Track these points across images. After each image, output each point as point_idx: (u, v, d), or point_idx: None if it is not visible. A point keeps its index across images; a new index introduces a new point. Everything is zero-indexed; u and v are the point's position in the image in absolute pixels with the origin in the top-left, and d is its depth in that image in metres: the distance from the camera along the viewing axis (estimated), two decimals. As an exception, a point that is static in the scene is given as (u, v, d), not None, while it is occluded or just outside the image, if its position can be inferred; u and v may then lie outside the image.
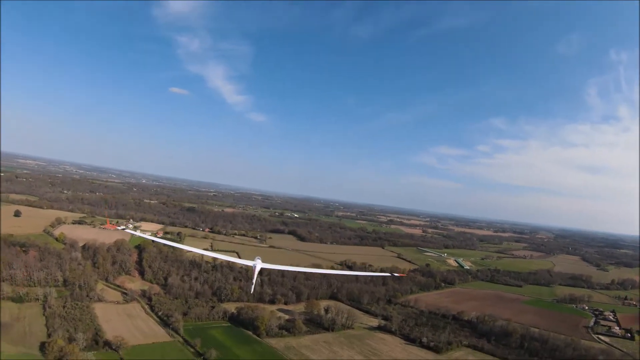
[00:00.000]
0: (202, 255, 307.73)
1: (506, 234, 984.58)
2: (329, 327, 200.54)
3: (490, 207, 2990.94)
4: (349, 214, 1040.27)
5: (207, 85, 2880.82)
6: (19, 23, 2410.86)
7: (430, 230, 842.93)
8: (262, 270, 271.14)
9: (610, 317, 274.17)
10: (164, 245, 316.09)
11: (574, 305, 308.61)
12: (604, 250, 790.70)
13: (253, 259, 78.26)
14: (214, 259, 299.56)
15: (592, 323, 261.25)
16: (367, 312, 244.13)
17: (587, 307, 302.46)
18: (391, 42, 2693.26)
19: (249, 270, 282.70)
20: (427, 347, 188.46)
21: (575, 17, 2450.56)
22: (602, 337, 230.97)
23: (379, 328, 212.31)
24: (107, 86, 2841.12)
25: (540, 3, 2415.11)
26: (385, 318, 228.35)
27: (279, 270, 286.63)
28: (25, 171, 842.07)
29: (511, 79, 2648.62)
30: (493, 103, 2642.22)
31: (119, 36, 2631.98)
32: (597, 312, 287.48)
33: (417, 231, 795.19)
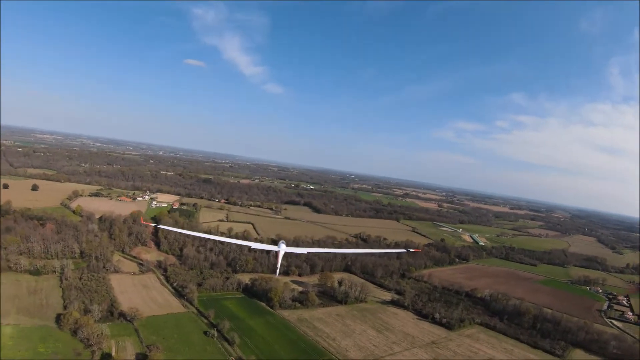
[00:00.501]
0: (218, 225, 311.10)
1: (522, 212, 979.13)
2: (342, 300, 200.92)
3: (506, 184, 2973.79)
4: (364, 186, 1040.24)
5: (222, 57, 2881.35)
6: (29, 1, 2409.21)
7: (445, 204, 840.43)
8: (277, 242, 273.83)
9: (624, 302, 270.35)
10: (180, 215, 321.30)
11: (587, 288, 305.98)
12: (620, 233, 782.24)
13: (275, 242, 76.87)
14: (229, 230, 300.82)
15: (605, 307, 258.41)
16: (380, 285, 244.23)
17: (600, 290, 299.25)
18: (412, 14, 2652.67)
19: (264, 242, 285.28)
20: (440, 324, 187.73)
21: None
22: (615, 322, 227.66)
23: (392, 302, 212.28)
24: (123, 60, 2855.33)
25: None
26: (398, 292, 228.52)
27: (293, 241, 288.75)
28: (43, 145, 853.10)
29: (533, 55, 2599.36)
30: (513, 79, 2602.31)
31: (134, 10, 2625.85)
32: (610, 296, 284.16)
33: (433, 205, 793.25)
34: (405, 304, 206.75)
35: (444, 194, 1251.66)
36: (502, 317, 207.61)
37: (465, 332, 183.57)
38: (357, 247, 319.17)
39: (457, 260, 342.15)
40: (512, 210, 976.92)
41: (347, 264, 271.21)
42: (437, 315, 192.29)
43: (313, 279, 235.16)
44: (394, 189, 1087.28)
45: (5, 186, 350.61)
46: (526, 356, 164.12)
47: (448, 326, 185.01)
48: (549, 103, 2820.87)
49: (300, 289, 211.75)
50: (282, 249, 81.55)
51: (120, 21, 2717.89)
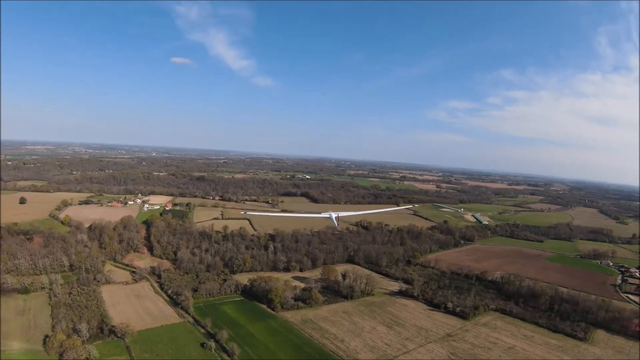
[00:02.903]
0: (212, 224, 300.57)
1: (521, 187, 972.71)
2: (348, 295, 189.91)
3: (502, 160, 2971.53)
4: (360, 172, 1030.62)
5: (209, 53, 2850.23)
6: (17, 9, 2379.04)
7: (444, 185, 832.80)
8: (274, 238, 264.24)
9: (637, 274, 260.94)
10: (173, 217, 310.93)
11: (598, 261, 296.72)
12: (621, 202, 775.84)
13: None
14: (224, 228, 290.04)
15: (619, 281, 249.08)
16: (386, 275, 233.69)
17: (611, 264, 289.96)
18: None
19: (261, 238, 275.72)
20: (453, 313, 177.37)
21: None
22: (631, 297, 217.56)
23: (400, 293, 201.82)
24: (108, 64, 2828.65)
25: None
26: (406, 281, 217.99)
27: (292, 235, 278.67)
28: (34, 157, 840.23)
29: (520, 28, 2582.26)
30: (502, 54, 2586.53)
31: (116, 13, 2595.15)
32: (622, 269, 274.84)
33: (431, 186, 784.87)
34: (415, 294, 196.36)
35: (441, 174, 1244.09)
36: (517, 300, 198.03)
37: (481, 320, 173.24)
38: (359, 235, 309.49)
39: (462, 242, 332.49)
40: (510, 187, 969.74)
41: (350, 255, 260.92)
42: (449, 305, 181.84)
43: (315, 274, 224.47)
44: (391, 173, 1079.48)
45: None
46: (548, 342, 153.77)
47: (462, 315, 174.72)
48: (539, 77, 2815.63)
49: (303, 285, 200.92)
50: (333, 216, 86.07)
51: (103, 24, 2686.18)
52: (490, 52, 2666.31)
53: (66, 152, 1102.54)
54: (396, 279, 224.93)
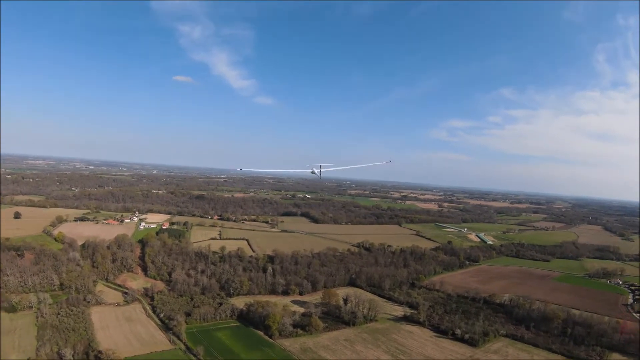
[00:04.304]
0: (209, 244, 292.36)
1: (523, 205, 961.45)
2: (350, 321, 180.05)
3: (503, 179, 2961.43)
4: (361, 191, 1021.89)
5: (212, 72, 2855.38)
6: (19, 24, 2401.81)
7: (446, 204, 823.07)
8: (273, 259, 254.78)
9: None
10: (169, 236, 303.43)
11: (607, 280, 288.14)
12: (624, 218, 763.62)
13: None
14: (222, 249, 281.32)
15: (630, 300, 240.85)
16: (389, 299, 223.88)
17: (621, 282, 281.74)
18: (393, 18, 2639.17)
19: (259, 259, 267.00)
20: (461, 340, 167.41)
21: None
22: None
23: (405, 318, 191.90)
24: (112, 81, 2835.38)
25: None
26: (410, 306, 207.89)
27: (291, 257, 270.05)
28: (34, 171, 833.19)
29: (518, 47, 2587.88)
30: (501, 73, 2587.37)
31: (120, 31, 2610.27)
32: (632, 288, 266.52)
33: (433, 206, 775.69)
34: (421, 320, 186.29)
35: (442, 193, 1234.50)
36: (527, 324, 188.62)
37: (492, 347, 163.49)
38: (361, 257, 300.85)
39: (467, 262, 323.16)
40: (513, 205, 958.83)
41: (352, 277, 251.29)
42: (457, 331, 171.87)
43: (315, 298, 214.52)
44: (392, 192, 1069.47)
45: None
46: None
47: (471, 342, 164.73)
48: (538, 95, 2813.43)
49: (302, 310, 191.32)
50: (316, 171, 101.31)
51: (106, 41, 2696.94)
52: (490, 71, 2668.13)
53: (67, 168, 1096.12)
54: (400, 303, 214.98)
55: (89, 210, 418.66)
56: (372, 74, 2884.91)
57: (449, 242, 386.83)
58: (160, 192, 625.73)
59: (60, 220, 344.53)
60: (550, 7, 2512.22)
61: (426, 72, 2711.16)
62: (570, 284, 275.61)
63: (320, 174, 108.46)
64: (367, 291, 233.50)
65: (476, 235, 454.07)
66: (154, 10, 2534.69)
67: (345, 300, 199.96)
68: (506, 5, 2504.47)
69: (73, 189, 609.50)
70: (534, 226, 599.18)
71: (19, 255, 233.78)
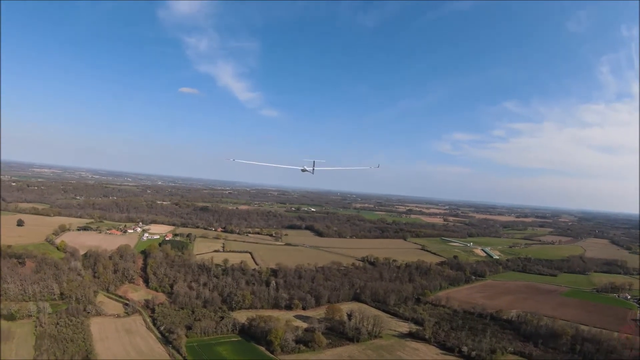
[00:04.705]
0: (212, 257, 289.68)
1: (529, 219, 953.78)
2: (354, 337, 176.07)
3: (508, 192, 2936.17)
4: (366, 205, 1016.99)
5: (217, 84, 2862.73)
6: (26, 31, 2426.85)
7: (451, 218, 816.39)
8: (277, 273, 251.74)
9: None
10: (172, 247, 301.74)
11: (615, 295, 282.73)
12: (631, 231, 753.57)
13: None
14: (225, 261, 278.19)
15: (639, 315, 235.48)
16: (394, 314, 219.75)
17: (630, 297, 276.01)
18: (398, 29, 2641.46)
19: (263, 273, 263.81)
20: (468, 358, 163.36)
21: None
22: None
23: (410, 335, 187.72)
24: (118, 92, 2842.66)
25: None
26: (416, 322, 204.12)
27: (295, 271, 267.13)
28: (39, 179, 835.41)
29: (522, 60, 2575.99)
30: (505, 86, 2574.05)
31: (126, 41, 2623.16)
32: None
33: (438, 220, 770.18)
34: (426, 337, 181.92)
35: (447, 207, 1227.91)
36: (535, 341, 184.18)
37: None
38: (365, 271, 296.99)
39: (473, 278, 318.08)
40: (518, 219, 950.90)
41: (356, 292, 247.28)
42: (464, 348, 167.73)
43: (319, 312, 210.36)
44: (397, 206, 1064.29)
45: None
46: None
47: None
48: (542, 107, 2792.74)
49: (305, 325, 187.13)
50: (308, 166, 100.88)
51: (112, 50, 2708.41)
52: (494, 84, 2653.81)
53: (72, 177, 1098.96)
54: (405, 319, 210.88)
55: (92, 220, 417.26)
56: (377, 86, 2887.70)
57: (455, 256, 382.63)
58: (164, 203, 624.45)
59: (63, 229, 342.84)
60: (554, 19, 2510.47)
61: (430, 85, 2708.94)
62: (578, 299, 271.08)
63: (313, 170, 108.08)
64: (372, 306, 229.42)
65: (482, 249, 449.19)
66: (161, 21, 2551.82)
67: (350, 316, 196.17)
68: (510, 17, 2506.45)
69: (78, 198, 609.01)
70: (540, 240, 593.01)
71: (20, 263, 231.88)
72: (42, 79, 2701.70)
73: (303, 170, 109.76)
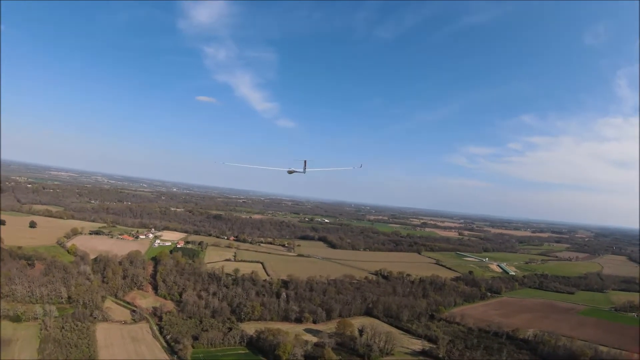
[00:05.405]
0: (223, 266, 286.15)
1: (545, 235, 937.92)
2: (364, 354, 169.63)
3: (524, 206, 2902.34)
4: (380, 217, 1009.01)
5: (235, 94, 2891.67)
6: (45, 39, 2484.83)
7: (466, 232, 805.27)
8: (288, 284, 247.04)
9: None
10: (183, 255, 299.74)
11: (634, 314, 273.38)
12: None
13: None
14: (236, 271, 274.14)
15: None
16: (407, 331, 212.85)
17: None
18: (415, 42, 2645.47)
19: (273, 284, 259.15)
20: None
21: (598, 6, 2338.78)
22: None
23: (423, 353, 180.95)
24: (136, 99, 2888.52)
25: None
26: (429, 339, 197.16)
27: (306, 283, 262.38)
28: (55, 182, 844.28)
29: (539, 73, 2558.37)
30: (522, 99, 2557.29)
31: (146, 50, 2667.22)
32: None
33: (453, 234, 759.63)
34: (440, 355, 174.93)
35: (462, 221, 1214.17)
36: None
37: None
38: (378, 285, 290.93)
39: (488, 294, 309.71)
40: (534, 234, 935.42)
41: (369, 307, 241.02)
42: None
43: (330, 327, 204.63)
44: (411, 219, 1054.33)
45: (2, 222, 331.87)
46: None
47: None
48: (559, 121, 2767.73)
49: (315, 340, 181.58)
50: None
51: (131, 59, 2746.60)
52: (510, 97, 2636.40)
53: (88, 181, 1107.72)
54: (418, 336, 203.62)
55: (105, 224, 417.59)
56: (392, 98, 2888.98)
57: (470, 272, 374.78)
58: (178, 209, 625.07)
59: (75, 233, 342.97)
60: (571, 32, 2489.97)
61: (446, 97, 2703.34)
62: (596, 318, 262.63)
63: (305, 170, 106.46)
64: (384, 322, 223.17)
65: (498, 265, 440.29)
66: (181, 31, 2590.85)
67: (361, 332, 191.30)
68: (526, 31, 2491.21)
69: (92, 202, 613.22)
70: (557, 256, 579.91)
71: (29, 264, 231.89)
72: (60, 85, 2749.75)
73: (290, 172, 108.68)
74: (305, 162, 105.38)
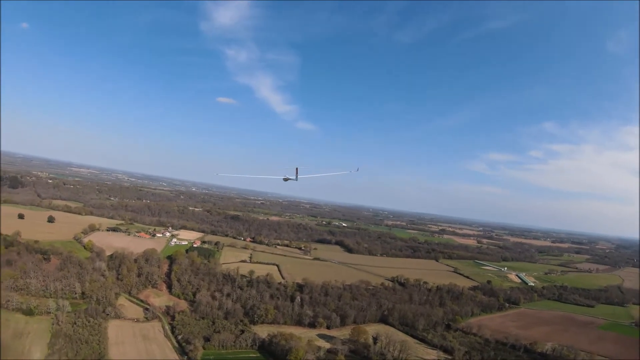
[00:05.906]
0: (238, 267, 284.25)
1: (565, 245, 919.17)
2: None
3: (544, 215, 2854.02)
4: (398, 223, 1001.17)
5: (255, 95, 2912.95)
6: (71, 40, 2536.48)
7: (484, 240, 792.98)
8: (302, 289, 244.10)
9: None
10: (199, 255, 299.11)
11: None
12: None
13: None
14: (251, 272, 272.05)
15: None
16: (422, 340, 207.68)
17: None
18: (435, 46, 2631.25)
19: (288, 287, 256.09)
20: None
21: (621, 12, 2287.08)
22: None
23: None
24: (158, 99, 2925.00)
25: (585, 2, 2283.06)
26: (445, 350, 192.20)
27: (322, 287, 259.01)
28: (76, 178, 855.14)
29: (560, 80, 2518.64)
30: (543, 106, 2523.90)
31: (168, 51, 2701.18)
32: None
33: (471, 241, 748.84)
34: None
35: (481, 228, 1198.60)
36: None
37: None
38: (395, 292, 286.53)
39: (506, 305, 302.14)
40: (554, 244, 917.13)
41: (384, 314, 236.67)
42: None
43: (343, 333, 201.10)
44: (429, 225, 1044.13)
45: (21, 216, 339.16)
46: None
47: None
48: (581, 129, 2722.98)
49: (328, 346, 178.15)
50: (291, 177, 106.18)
51: (153, 60, 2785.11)
52: (532, 104, 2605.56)
53: (108, 178, 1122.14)
54: (434, 346, 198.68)
55: (122, 221, 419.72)
56: (411, 103, 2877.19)
57: (489, 281, 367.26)
58: (196, 209, 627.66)
59: (92, 229, 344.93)
60: (594, 39, 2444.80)
61: (466, 103, 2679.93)
62: (616, 333, 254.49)
63: (297, 178, 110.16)
64: (399, 330, 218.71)
65: (517, 275, 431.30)
66: (203, 32, 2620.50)
67: (375, 339, 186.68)
68: (548, 36, 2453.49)
69: (112, 199, 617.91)
70: (577, 268, 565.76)
71: (45, 259, 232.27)
72: (88, 86, 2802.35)
73: (285, 180, 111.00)
74: (297, 169, 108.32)
